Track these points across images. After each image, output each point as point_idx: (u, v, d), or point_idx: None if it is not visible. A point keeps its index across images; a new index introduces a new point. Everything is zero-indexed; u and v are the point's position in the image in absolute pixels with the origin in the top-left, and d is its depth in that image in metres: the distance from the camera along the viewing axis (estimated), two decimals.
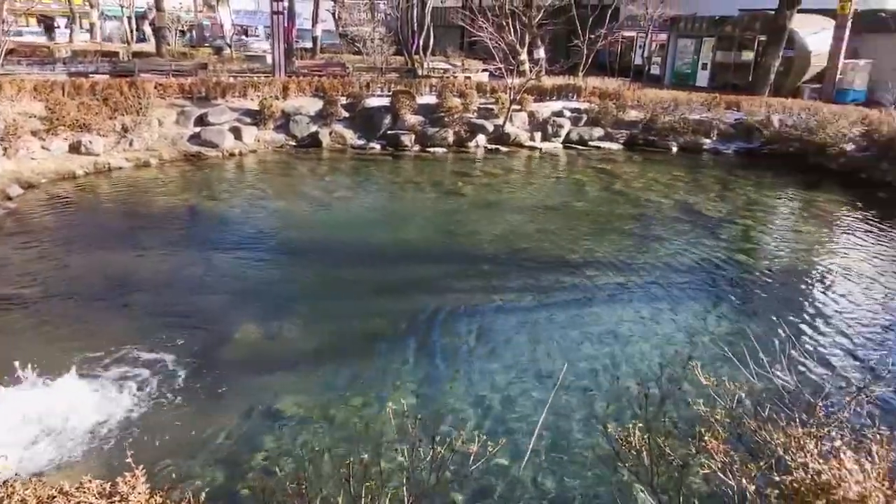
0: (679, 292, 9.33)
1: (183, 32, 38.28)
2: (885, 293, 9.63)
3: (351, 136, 19.05)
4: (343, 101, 19.52)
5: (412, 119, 19.30)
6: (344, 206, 13.62)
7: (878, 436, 3.60)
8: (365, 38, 29.03)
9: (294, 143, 18.54)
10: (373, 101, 19.74)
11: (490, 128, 19.73)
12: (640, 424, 3.66)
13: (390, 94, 20.01)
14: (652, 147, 20.38)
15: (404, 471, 3.42)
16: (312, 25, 36.11)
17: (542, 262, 10.33)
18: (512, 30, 22.96)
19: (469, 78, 24.59)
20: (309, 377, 6.76)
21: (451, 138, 19.26)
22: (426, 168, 17.30)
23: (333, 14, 39.65)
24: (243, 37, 43.32)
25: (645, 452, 3.62)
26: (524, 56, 24.83)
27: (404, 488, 3.34)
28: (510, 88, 19.89)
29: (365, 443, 5.39)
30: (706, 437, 3.41)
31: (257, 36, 46.32)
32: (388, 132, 19.17)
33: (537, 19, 26.21)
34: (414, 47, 28.54)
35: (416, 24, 28.68)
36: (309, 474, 4.61)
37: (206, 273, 9.53)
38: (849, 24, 23.89)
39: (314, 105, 19.21)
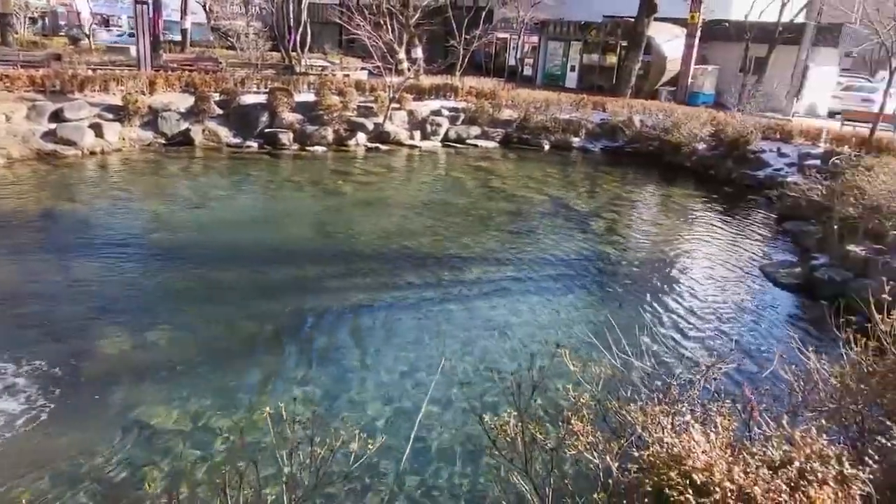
0: (551, 283, 9.86)
1: (34, 20, 35.14)
2: (731, 279, 10.69)
3: (226, 134, 18.37)
4: (216, 97, 18.75)
5: (290, 117, 18.91)
6: (219, 206, 13.13)
7: (721, 409, 4.04)
8: (239, 33, 27.99)
9: (163, 142, 17.60)
10: (248, 98, 19.13)
11: (370, 126, 19.73)
12: (514, 413, 3.87)
13: (267, 91, 19.48)
14: (526, 145, 21.24)
15: (284, 475, 3.42)
16: (181, 17, 34.28)
17: (423, 259, 10.53)
18: (389, 29, 23.03)
19: (348, 76, 24.42)
20: (182, 386, 6.51)
21: (330, 137, 19.07)
22: (306, 167, 17.03)
23: (204, 6, 37.89)
24: (104, 27, 40.42)
25: (519, 439, 3.84)
26: (402, 55, 24.99)
27: (284, 493, 3.35)
28: (389, 87, 19.99)
29: (242, 450, 5.29)
30: (573, 421, 3.68)
31: (119, 26, 43.36)
32: (266, 130, 18.68)
33: (414, 19, 26.44)
34: (291, 43, 27.88)
35: (292, 20, 28.04)
36: (181, 488, 4.48)
37: (65, 281, 8.89)
38: (698, 32, 26.07)
39: (185, 101, 18.32)
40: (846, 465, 3.41)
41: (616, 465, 3.71)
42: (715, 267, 11.25)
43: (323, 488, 3.49)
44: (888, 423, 4.38)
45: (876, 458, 3.95)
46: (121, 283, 8.92)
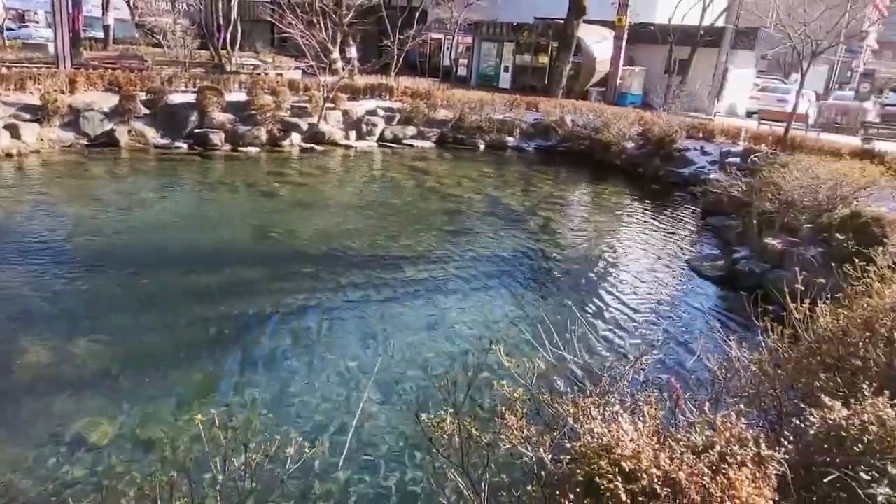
0: (488, 281, 10.00)
1: None
2: (659, 272, 11.10)
3: (153, 135, 17.78)
4: (142, 96, 18.11)
5: (221, 117, 18.47)
6: (148, 209, 12.71)
7: (649, 399, 4.21)
8: (165, 30, 27.10)
9: (86, 142, 16.89)
10: (176, 98, 18.57)
11: (304, 126, 19.49)
12: (451, 410, 3.93)
13: (196, 90, 18.94)
14: (461, 145, 21.42)
15: (217, 484, 3.37)
16: (103, 13, 32.85)
17: (361, 260, 10.50)
18: (323, 28, 22.78)
19: (281, 75, 24.03)
20: (110, 398, 6.28)
21: (264, 137, 18.73)
22: (239, 168, 16.67)
23: (128, 2, 36.44)
24: (19, 22, 38.32)
25: (456, 436, 3.90)
26: (336, 54, 24.76)
27: (218, 501, 3.30)
28: (323, 87, 19.78)
29: (174, 460, 5.17)
30: (507, 416, 3.77)
31: (37, 22, 41.19)
32: (196, 131, 18.18)
33: (348, 18, 26.22)
34: (220, 42, 27.18)
35: (221, 18, 27.34)
36: (109, 502, 4.32)
37: None
38: (625, 35, 26.87)
39: (108, 101, 17.61)
40: (763, 446, 3.61)
41: (549, 456, 3.81)
42: (644, 261, 11.66)
43: (259, 495, 3.45)
44: (803, 405, 4.64)
45: (791, 439, 4.21)
46: (42, 292, 8.51)
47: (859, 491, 3.42)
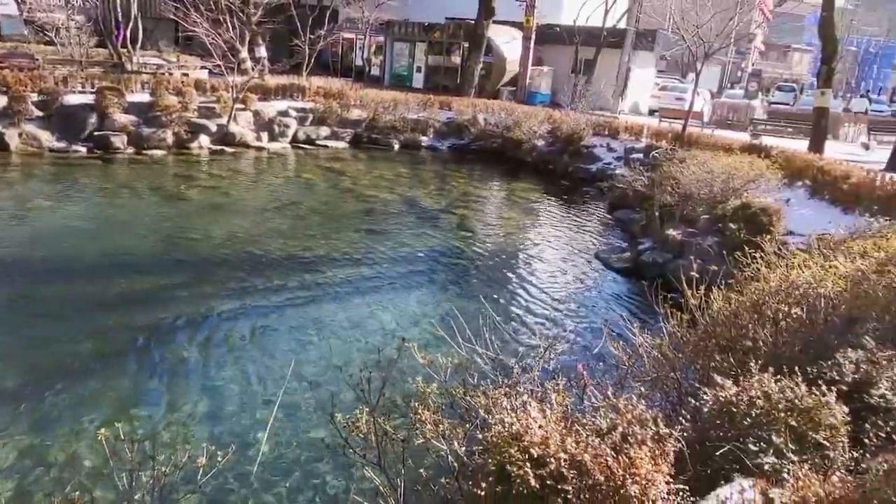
0: (404, 280, 10.09)
1: None
2: (570, 265, 11.52)
3: (48, 138, 16.78)
4: (34, 97, 17.02)
5: (123, 119, 17.64)
6: (44, 217, 11.99)
7: (557, 386, 4.39)
8: (58, 27, 25.55)
9: None
10: (73, 99, 17.57)
11: (213, 128, 18.91)
12: (366, 409, 3.98)
13: (94, 90, 17.99)
14: (376, 145, 21.39)
15: (124, 501, 3.28)
16: None
17: (275, 263, 10.34)
18: (230, 26, 22.14)
19: (187, 75, 23.15)
20: (4, 416, 5.92)
21: (170, 139, 18.04)
22: (144, 172, 15.99)
23: None
24: None
25: (372, 435, 3.95)
26: (245, 54, 24.14)
27: None
28: (232, 87, 19.26)
29: (74, 479, 4.94)
30: (420, 410, 3.85)
31: None
32: (95, 133, 17.29)
33: (256, 17, 25.60)
34: (120, 40, 25.91)
35: (120, 14, 26.06)
36: None
37: None
38: (533, 35, 27.57)
39: None
40: (661, 425, 3.86)
41: (463, 448, 3.91)
42: (555, 255, 12.06)
43: None
44: (699, 385, 4.95)
45: (689, 417, 4.51)
46: None
47: (748, 462, 3.70)
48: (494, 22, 26.93)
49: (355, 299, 9.19)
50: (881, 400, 4.40)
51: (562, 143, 19.98)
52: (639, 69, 29.56)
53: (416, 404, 3.89)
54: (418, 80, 31.57)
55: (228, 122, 19.09)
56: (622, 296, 10.34)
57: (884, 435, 4.20)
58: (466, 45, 28.59)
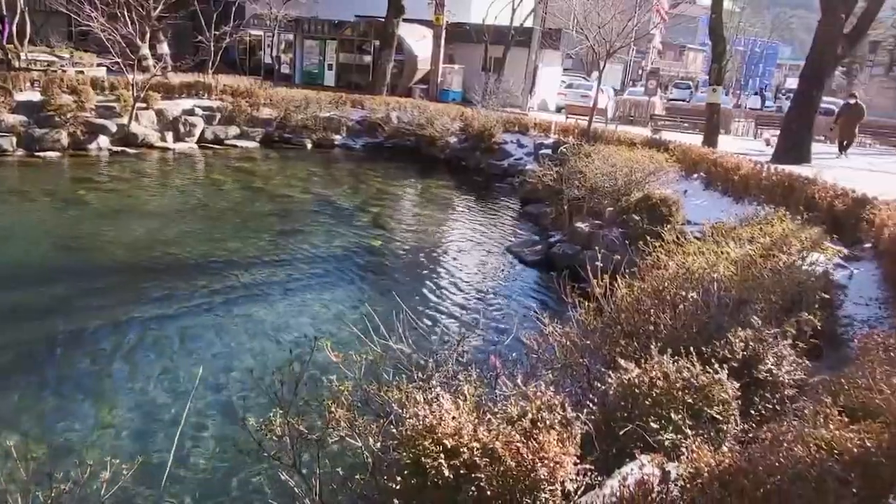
0: (319, 280, 9.99)
1: None
2: (484, 260, 11.75)
3: None
4: None
5: (11, 119, 16.53)
6: None
7: (469, 377, 4.50)
8: None
9: None
10: None
11: (113, 128, 18.01)
12: (280, 410, 3.94)
13: None
14: (288, 144, 21.02)
15: None
16: None
17: (183, 268, 10.00)
18: (128, 21, 21.11)
19: (82, 73, 21.91)
20: None
21: (65, 140, 17.05)
22: (36, 175, 15.04)
23: None
24: None
25: (286, 436, 3.92)
26: (146, 50, 23.07)
27: None
28: (133, 85, 18.39)
29: None
30: (334, 409, 3.86)
31: None
32: None
33: (156, 11, 24.52)
34: (6, 35, 24.19)
35: (4, 8, 24.32)
36: None
37: None
38: (443, 34, 27.80)
39: None
40: (568, 410, 4.03)
41: (378, 444, 3.95)
42: (470, 250, 12.26)
43: None
44: (605, 370, 5.19)
45: (595, 401, 4.73)
46: None
47: (649, 439, 3.92)
48: (404, 20, 26.97)
49: (268, 301, 9.02)
50: (767, 374, 4.78)
51: (474, 140, 20.29)
52: (546, 67, 30.35)
53: (330, 403, 3.90)
54: (330, 78, 31.16)
55: (130, 121, 18.23)
56: (534, 287, 10.64)
57: (770, 407, 4.57)
58: (377, 43, 28.47)
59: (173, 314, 8.39)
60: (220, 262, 10.38)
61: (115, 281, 9.36)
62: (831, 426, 3.40)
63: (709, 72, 22.75)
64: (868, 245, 8.33)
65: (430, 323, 8.54)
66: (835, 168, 14.09)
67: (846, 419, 3.50)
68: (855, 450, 3.19)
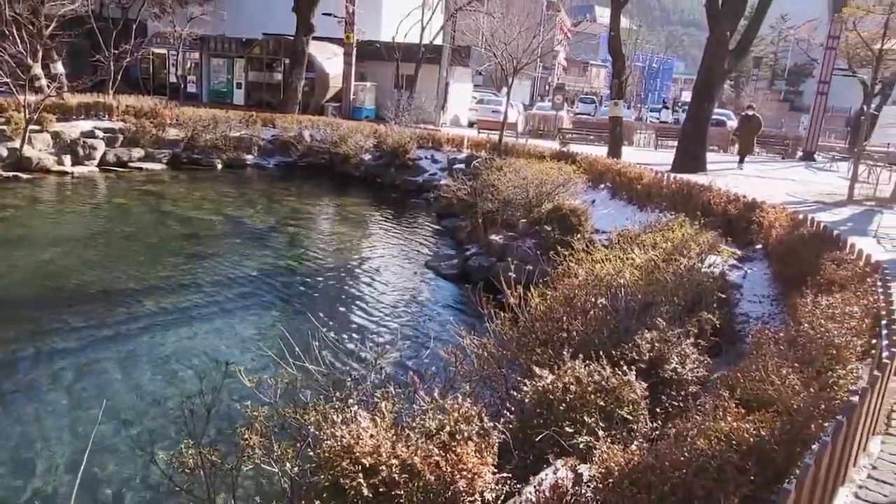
0: (232, 304, 9.70)
1: None
2: (401, 276, 11.76)
3: None
4: None
5: None
6: None
7: (387, 394, 4.49)
8: None
9: None
10: None
11: (3, 152, 16.92)
12: (191, 442, 3.81)
13: None
14: (197, 165, 20.38)
15: None
16: None
17: (85, 298, 9.47)
18: (18, 39, 19.94)
19: None
20: None
21: None
22: None
23: None
24: None
25: (199, 468, 3.79)
26: (38, 70, 21.84)
27: None
28: (25, 107, 17.34)
29: None
30: (247, 435, 3.77)
31: None
32: None
33: (49, 30, 23.29)
34: None
35: None
36: None
37: None
38: (354, 51, 27.80)
39: None
40: (485, 420, 4.09)
41: (296, 469, 3.87)
42: (387, 267, 12.24)
43: None
44: (522, 379, 5.29)
45: (514, 409, 4.81)
46: None
47: (564, 444, 4.03)
48: (314, 38, 26.78)
49: (178, 328, 8.66)
50: (673, 373, 5.02)
51: (388, 157, 20.34)
52: (457, 84, 30.88)
53: (244, 430, 3.80)
54: (239, 96, 30.50)
55: (22, 145, 17.17)
56: (452, 301, 10.73)
57: (676, 404, 4.80)
58: (287, 61, 28.12)
59: (74, 347, 7.92)
60: (124, 290, 9.90)
61: (6, 314, 8.74)
62: (729, 418, 3.59)
63: (610, 87, 23.78)
64: (759, 246, 8.90)
65: (348, 342, 8.45)
66: (727, 175, 15.02)
67: (743, 411, 3.69)
68: (751, 439, 3.39)
